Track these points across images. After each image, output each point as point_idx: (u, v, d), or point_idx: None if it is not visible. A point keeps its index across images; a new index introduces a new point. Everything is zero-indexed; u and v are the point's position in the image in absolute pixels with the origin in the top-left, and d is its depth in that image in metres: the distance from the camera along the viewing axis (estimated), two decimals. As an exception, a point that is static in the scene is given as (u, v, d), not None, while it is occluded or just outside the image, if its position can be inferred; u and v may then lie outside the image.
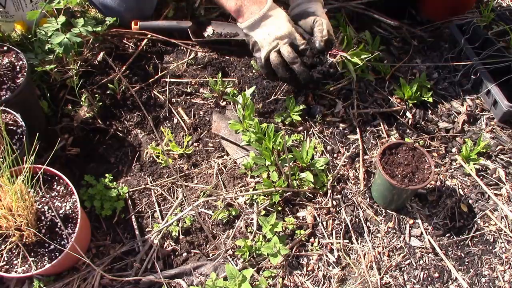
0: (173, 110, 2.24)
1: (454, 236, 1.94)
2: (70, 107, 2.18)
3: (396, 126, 2.23)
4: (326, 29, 2.01)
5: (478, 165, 2.11)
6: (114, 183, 1.98)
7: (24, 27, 2.26)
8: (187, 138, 2.12)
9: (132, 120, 2.20)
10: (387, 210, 1.98)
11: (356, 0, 2.65)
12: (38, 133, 1.67)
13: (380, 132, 2.20)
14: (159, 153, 2.07)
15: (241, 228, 1.91)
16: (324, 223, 1.94)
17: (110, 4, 2.33)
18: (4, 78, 1.88)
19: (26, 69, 1.88)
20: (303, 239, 1.90)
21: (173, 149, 2.08)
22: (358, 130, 2.18)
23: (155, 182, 2.03)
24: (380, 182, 1.89)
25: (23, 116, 1.80)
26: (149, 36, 2.41)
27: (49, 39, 1.99)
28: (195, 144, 2.14)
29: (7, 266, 1.58)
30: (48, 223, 1.64)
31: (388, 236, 1.93)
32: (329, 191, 2.00)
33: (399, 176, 1.81)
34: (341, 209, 1.97)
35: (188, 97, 2.29)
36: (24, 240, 1.58)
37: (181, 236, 1.89)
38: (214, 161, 2.09)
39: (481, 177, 2.09)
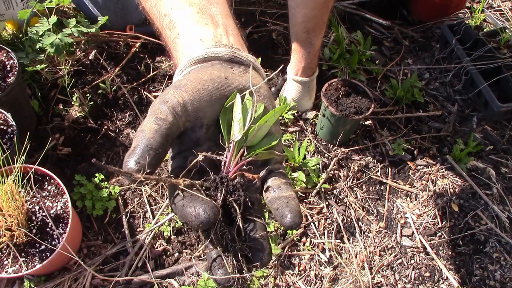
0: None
1: (445, 236, 1.95)
2: (61, 107, 2.17)
3: (388, 126, 2.23)
4: None
5: (469, 165, 2.12)
6: (106, 182, 1.98)
7: (15, 26, 2.24)
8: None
9: (123, 119, 2.19)
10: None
11: (348, 0, 2.66)
12: (28, 133, 1.67)
13: (372, 132, 2.21)
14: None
15: (233, 228, 1.90)
16: (316, 222, 1.95)
17: (96, 13, 2.31)
18: (-5, 78, 1.87)
19: (16, 69, 1.87)
20: (295, 238, 1.90)
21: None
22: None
23: (147, 182, 2.02)
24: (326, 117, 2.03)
25: (14, 115, 1.79)
26: (142, 40, 2.39)
27: (40, 39, 1.98)
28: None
29: (-2, 267, 1.57)
30: (39, 223, 1.63)
31: (379, 236, 1.94)
32: (321, 191, 2.01)
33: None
34: (333, 208, 1.98)
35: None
36: (14, 240, 1.57)
37: (172, 236, 1.89)
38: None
39: (472, 177, 2.10)
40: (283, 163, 0.85)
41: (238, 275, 0.73)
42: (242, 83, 0.81)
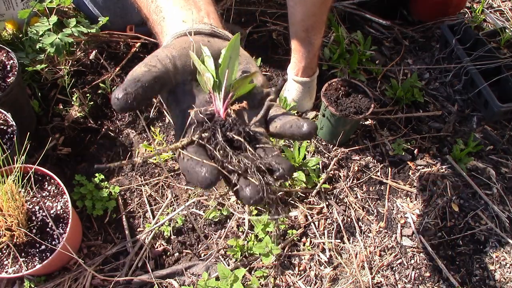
0: (165, 110, 2.23)
1: (445, 236, 1.95)
2: (61, 107, 2.17)
3: (388, 126, 2.23)
4: None
5: (469, 165, 2.12)
6: (106, 182, 1.98)
7: (15, 26, 2.24)
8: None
9: (123, 119, 2.19)
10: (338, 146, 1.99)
11: (348, 0, 2.66)
12: (28, 133, 1.67)
13: (372, 132, 2.21)
14: (151, 151, 2.07)
15: (232, 228, 1.90)
16: (316, 222, 1.95)
17: (96, 13, 2.31)
18: (-5, 78, 1.87)
19: (16, 69, 1.87)
20: (295, 238, 1.90)
21: (162, 158, 2.08)
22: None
23: (147, 182, 2.03)
24: (326, 117, 2.03)
25: (14, 115, 1.79)
26: (142, 40, 2.39)
27: (40, 38, 1.98)
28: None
29: (-2, 267, 1.57)
30: (39, 223, 1.64)
31: (379, 236, 1.94)
32: (321, 191, 2.01)
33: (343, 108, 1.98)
34: (333, 208, 1.98)
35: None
36: (14, 240, 1.57)
37: (172, 236, 1.89)
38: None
39: (472, 177, 2.10)
40: (277, 101, 0.91)
41: (265, 187, 0.75)
42: (223, 45, 0.88)
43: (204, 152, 0.79)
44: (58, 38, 1.94)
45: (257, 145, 0.82)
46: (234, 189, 0.77)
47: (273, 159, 0.78)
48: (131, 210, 1.96)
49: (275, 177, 0.77)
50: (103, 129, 2.15)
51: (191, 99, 0.85)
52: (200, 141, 0.80)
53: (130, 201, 1.98)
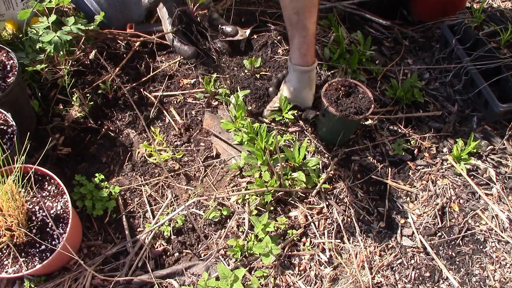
0: (165, 110, 2.23)
1: (445, 236, 1.95)
2: (61, 107, 2.17)
3: (388, 127, 2.23)
4: None
5: (469, 165, 2.12)
6: (106, 182, 1.98)
7: (15, 26, 2.24)
8: (177, 142, 2.12)
9: (123, 119, 2.19)
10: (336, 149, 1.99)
11: (348, 0, 2.66)
12: (28, 133, 1.67)
13: (372, 132, 2.21)
14: (151, 151, 2.07)
15: (232, 228, 1.90)
16: (316, 222, 1.95)
17: (95, 8, 2.31)
18: (-5, 78, 1.87)
19: (17, 69, 1.87)
20: (295, 238, 1.90)
21: (162, 158, 2.08)
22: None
23: (147, 182, 2.03)
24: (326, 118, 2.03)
25: (14, 115, 1.79)
26: (141, 38, 2.39)
27: (40, 38, 1.98)
28: (186, 144, 2.14)
29: (-2, 267, 1.57)
30: (39, 223, 1.64)
31: (379, 236, 1.94)
32: (321, 191, 2.01)
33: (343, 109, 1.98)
34: (333, 208, 1.98)
35: (180, 96, 2.29)
36: (14, 240, 1.57)
37: (172, 236, 1.89)
38: (205, 161, 2.09)
39: (472, 177, 2.10)
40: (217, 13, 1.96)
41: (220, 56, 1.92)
42: None
43: (185, 38, 1.46)
44: (57, 36, 1.94)
45: (213, 34, 1.64)
46: (202, 60, 1.60)
47: (221, 44, 1.76)
48: (131, 210, 1.96)
49: (223, 54, 1.74)
50: (103, 129, 2.15)
51: (174, 2, 1.58)
52: (184, 30, 1.64)
53: (130, 201, 1.98)
